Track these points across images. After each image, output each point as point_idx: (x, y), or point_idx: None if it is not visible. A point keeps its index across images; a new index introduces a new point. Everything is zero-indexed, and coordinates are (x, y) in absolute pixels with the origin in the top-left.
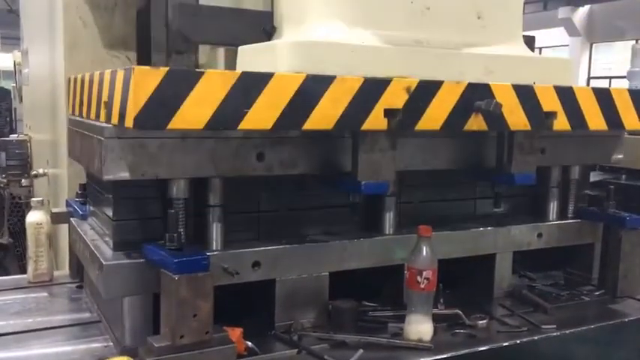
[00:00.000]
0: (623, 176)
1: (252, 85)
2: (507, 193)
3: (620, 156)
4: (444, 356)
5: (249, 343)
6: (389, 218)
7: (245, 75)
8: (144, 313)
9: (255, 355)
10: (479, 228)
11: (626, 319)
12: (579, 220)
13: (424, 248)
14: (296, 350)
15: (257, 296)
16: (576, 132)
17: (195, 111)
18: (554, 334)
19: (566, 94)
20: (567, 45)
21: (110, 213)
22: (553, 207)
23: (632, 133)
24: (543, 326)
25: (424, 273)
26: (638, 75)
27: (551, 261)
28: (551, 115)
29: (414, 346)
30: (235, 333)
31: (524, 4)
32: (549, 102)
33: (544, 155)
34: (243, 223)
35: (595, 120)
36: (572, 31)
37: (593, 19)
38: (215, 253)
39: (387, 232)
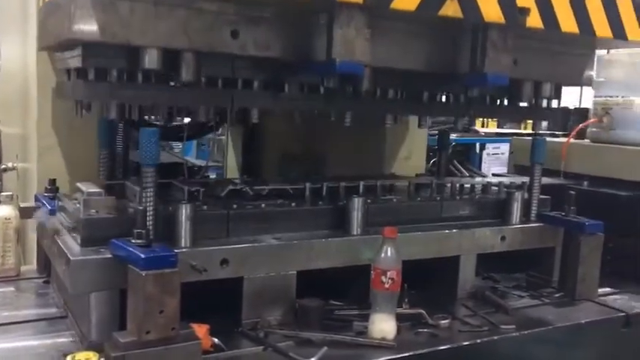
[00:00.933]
0: (585, 182)
1: None
2: (474, 201)
3: (592, 73)
4: (407, 355)
5: (216, 340)
6: (356, 218)
7: None
8: (110, 308)
9: (221, 352)
10: (444, 230)
11: (583, 321)
12: (541, 225)
13: (389, 249)
14: (262, 347)
15: (225, 294)
16: (549, 45)
17: None
18: (513, 334)
19: None
20: None
21: (80, 208)
22: (516, 211)
23: (595, 141)
24: (503, 326)
25: (388, 273)
26: (602, 85)
27: (514, 264)
28: (525, 10)
29: (378, 344)
30: (202, 329)
31: None
32: None
33: (516, 66)
34: (213, 220)
35: (567, 21)
36: None
37: None
38: (184, 250)
39: (355, 233)
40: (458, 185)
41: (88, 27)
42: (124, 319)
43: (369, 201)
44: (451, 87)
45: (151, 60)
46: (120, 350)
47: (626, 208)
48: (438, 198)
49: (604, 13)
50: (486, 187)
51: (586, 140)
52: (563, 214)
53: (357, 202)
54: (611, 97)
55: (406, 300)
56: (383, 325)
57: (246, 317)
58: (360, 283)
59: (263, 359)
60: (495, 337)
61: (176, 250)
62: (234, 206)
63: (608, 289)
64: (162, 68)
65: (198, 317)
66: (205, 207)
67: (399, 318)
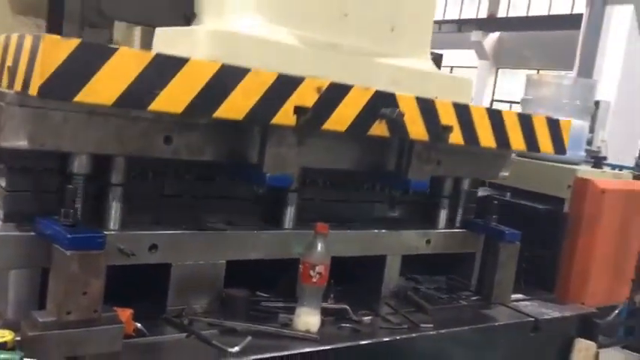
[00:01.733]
0: (508, 194)
1: (166, 67)
2: (402, 200)
3: (507, 173)
4: (328, 347)
5: (139, 325)
6: (289, 213)
7: (160, 56)
8: (30, 287)
9: (143, 337)
10: (373, 230)
11: (496, 324)
12: (464, 231)
13: (319, 244)
14: (185, 334)
15: (152, 279)
16: (469, 148)
17: (105, 86)
18: (431, 332)
19: (462, 111)
20: (476, 67)
21: (3, 183)
22: (443, 216)
23: (520, 155)
24: (422, 325)
25: (317, 268)
26: (530, 102)
27: (437, 266)
28: (448, 128)
29: (301, 336)
30: (125, 314)
31: (441, 24)
32: (447, 116)
33: (439, 166)
34: (145, 205)
35: (486, 138)
36: (481, 54)
37: (502, 45)
38: (112, 232)
39: (287, 227)
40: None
41: (16, 138)
42: (43, 300)
43: (302, 196)
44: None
45: (80, 165)
46: (38, 330)
47: (543, 221)
48: (370, 198)
49: (520, 130)
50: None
51: (513, 154)
52: (486, 222)
53: (291, 197)
54: (536, 114)
55: (332, 295)
56: (308, 318)
57: (172, 304)
58: (287, 276)
59: (185, 346)
60: (414, 335)
61: (104, 232)
62: (166, 192)
63: (520, 296)
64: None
65: (122, 302)
66: (136, 191)
67: (324, 312)
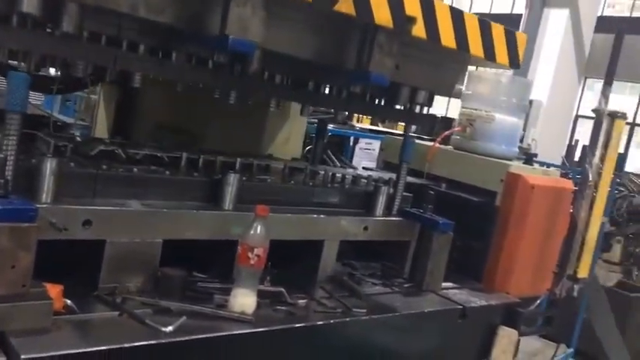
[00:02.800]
0: (444, 185)
1: None
2: (343, 190)
3: (461, 88)
4: (262, 329)
5: (69, 302)
6: (230, 194)
7: None
8: None
9: (73, 314)
10: (312, 215)
11: (426, 310)
12: (401, 219)
13: (259, 227)
14: (117, 313)
15: (85, 256)
16: (427, 55)
17: None
18: (364, 317)
19: (427, 5)
20: None
21: None
22: (380, 204)
23: (456, 148)
24: (355, 309)
25: (255, 250)
26: (469, 97)
27: (373, 253)
28: (412, 19)
29: (237, 317)
30: (55, 290)
31: None
32: (412, 7)
33: (398, 71)
34: (79, 179)
35: (447, 37)
36: None
37: None
38: (44, 205)
39: (227, 208)
40: (330, 174)
41: None
42: None
43: (244, 178)
44: (335, 80)
45: (29, 3)
46: None
47: (475, 213)
48: (310, 184)
49: (479, 35)
50: (356, 178)
51: (450, 147)
52: (421, 211)
53: (232, 178)
54: (475, 109)
55: (268, 278)
56: (243, 300)
57: (105, 282)
58: (225, 258)
59: (117, 325)
60: (347, 319)
61: (36, 205)
62: (104, 167)
63: (450, 284)
64: (42, 15)
65: (53, 278)
66: (72, 164)
67: (260, 294)
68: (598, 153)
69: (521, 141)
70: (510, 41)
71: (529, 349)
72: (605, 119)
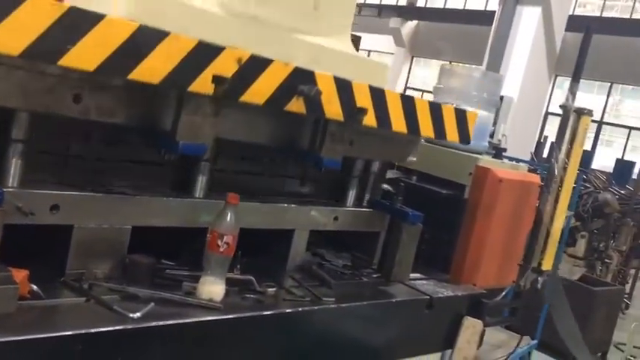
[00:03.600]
0: (414, 177)
1: (81, 21)
2: (313, 178)
3: (414, 158)
4: (230, 316)
5: (35, 287)
6: (201, 182)
7: (75, 10)
8: None
9: (39, 300)
10: (283, 204)
11: (394, 300)
12: (371, 210)
13: (229, 214)
14: (84, 299)
15: (52, 241)
16: (381, 131)
17: (12, 35)
18: (332, 306)
19: (378, 95)
20: (393, 53)
21: None
22: (351, 195)
23: (427, 141)
24: (324, 298)
25: (225, 237)
26: (441, 91)
27: (343, 243)
28: (362, 110)
29: (205, 305)
30: (20, 274)
31: (362, 7)
32: (363, 98)
33: (352, 147)
34: (48, 164)
35: (398, 122)
36: (399, 41)
37: (418, 35)
38: (10, 189)
39: (197, 196)
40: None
41: None
42: None
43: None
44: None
45: None
46: None
47: (444, 205)
48: (282, 173)
49: (430, 118)
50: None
51: (422, 140)
52: (391, 202)
53: (203, 166)
54: (446, 103)
55: (238, 266)
56: (212, 287)
57: (72, 268)
58: (195, 245)
59: (85, 311)
60: (315, 307)
61: (2, 189)
62: (74, 152)
63: (418, 275)
64: None
65: (19, 263)
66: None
67: (230, 282)
68: (564, 148)
69: (492, 136)
70: (460, 120)
71: (494, 341)
72: (571, 115)
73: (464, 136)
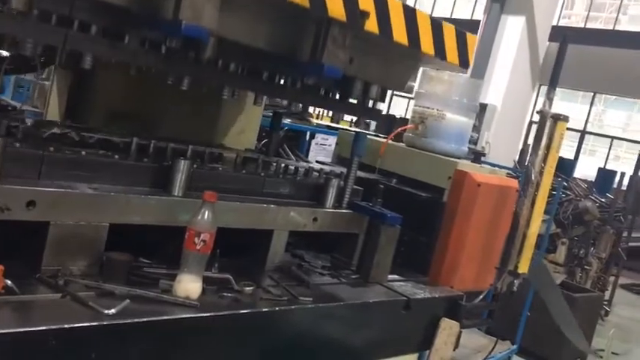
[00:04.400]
0: (394, 180)
1: None
2: (294, 181)
3: (413, 84)
4: (207, 315)
5: (9, 282)
6: (180, 180)
7: None
8: None
9: (13, 295)
10: (262, 204)
11: (371, 301)
12: (350, 212)
13: (206, 212)
14: (60, 295)
15: (27, 237)
16: (380, 50)
17: None
18: (309, 306)
19: (381, 1)
20: None
21: None
22: (331, 196)
23: (408, 145)
24: (301, 298)
25: (202, 235)
26: (422, 96)
27: (322, 245)
28: (365, 14)
29: (181, 302)
30: None
31: None
32: (366, 2)
33: (352, 65)
34: (25, 160)
35: (399, 33)
36: None
37: None
38: None
39: (176, 194)
40: (282, 165)
41: None
42: None
43: (194, 165)
44: (290, 72)
45: None
46: None
47: (423, 208)
48: (262, 174)
49: (431, 34)
50: (308, 171)
51: (403, 144)
52: (371, 204)
53: (183, 164)
54: (427, 108)
55: (216, 265)
56: (188, 285)
57: (47, 264)
58: (172, 244)
59: (60, 307)
60: (293, 307)
61: None
62: (51, 149)
63: (396, 277)
64: None
65: None
66: (18, 144)
67: (207, 281)
68: (541, 153)
69: (476, 144)
70: (461, 41)
71: (474, 345)
72: (548, 121)
73: (463, 59)
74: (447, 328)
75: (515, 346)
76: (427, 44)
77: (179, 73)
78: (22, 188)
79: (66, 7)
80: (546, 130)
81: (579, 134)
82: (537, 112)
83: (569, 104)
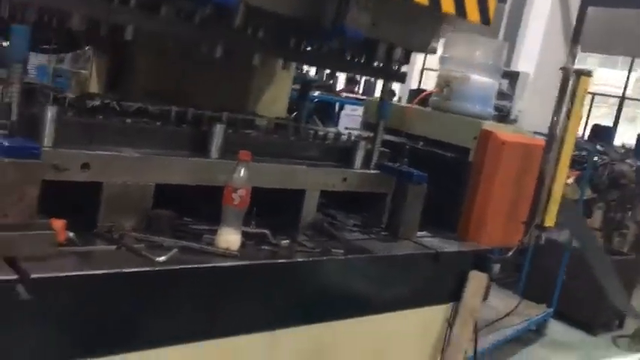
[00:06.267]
0: (421, 142)
1: None
2: (323, 145)
3: (436, 45)
4: (246, 263)
5: (71, 234)
6: (216, 144)
7: None
8: None
9: (74, 246)
10: (294, 165)
11: (400, 254)
12: (378, 172)
13: (242, 170)
14: (115, 246)
15: (83, 197)
16: (401, 11)
17: None
18: (341, 257)
19: None
20: None
21: None
22: (359, 158)
23: (434, 108)
24: (333, 250)
25: (239, 191)
26: (447, 60)
27: (352, 205)
28: None
29: (222, 253)
30: (58, 223)
31: None
32: None
33: (375, 27)
34: (78, 127)
35: None
36: None
37: None
38: (46, 149)
39: (213, 157)
40: (312, 131)
41: None
42: None
43: (229, 130)
44: (315, 37)
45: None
46: None
47: (449, 168)
48: (293, 138)
49: None
50: (336, 136)
51: (429, 108)
52: (397, 165)
53: (219, 129)
54: (452, 71)
55: (253, 222)
56: (229, 237)
57: (102, 221)
58: (211, 204)
59: (116, 256)
60: (325, 258)
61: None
62: (100, 117)
63: (425, 233)
64: None
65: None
66: (71, 114)
67: (245, 235)
68: (564, 109)
69: (509, 113)
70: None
71: (506, 309)
72: (571, 76)
73: (485, 16)
74: (476, 280)
75: (551, 309)
76: (447, 3)
77: (212, 40)
78: (77, 151)
79: None
80: (569, 86)
81: (618, 100)
82: (561, 69)
83: (609, 70)
